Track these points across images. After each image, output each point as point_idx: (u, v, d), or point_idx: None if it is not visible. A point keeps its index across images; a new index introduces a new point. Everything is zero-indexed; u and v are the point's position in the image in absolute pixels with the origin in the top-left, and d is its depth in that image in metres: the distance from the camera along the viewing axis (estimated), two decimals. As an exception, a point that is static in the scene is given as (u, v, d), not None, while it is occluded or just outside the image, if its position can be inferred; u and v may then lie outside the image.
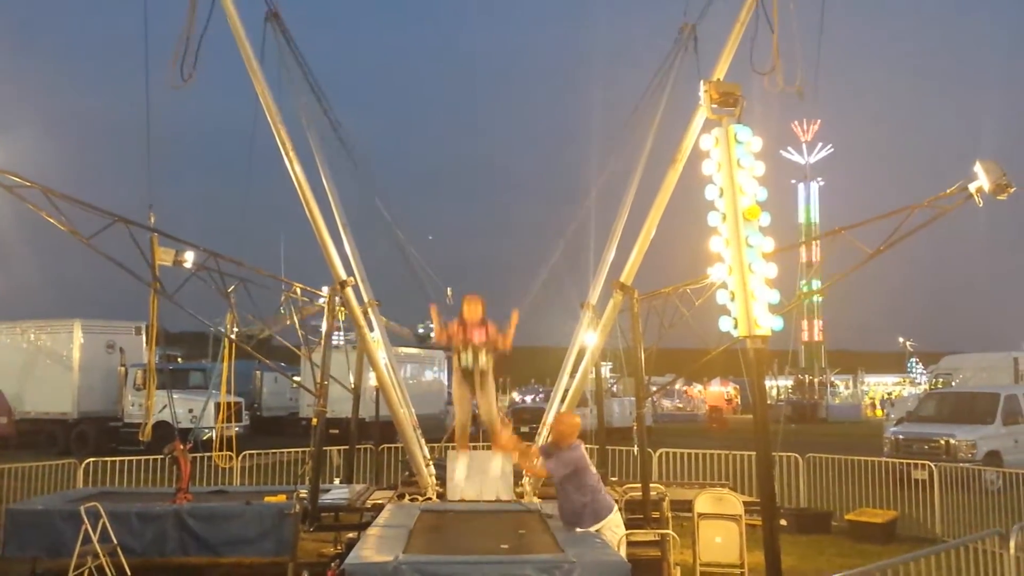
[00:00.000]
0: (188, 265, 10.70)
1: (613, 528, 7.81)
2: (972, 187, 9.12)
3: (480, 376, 8.34)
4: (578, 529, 7.67)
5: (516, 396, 52.48)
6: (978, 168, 9.06)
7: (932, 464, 13.90)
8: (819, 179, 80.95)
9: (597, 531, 7.68)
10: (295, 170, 9.73)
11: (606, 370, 18.57)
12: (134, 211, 10.35)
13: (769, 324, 6.87)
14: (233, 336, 12.50)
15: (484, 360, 8.31)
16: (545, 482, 10.80)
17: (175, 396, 22.14)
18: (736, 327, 6.93)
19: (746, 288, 6.81)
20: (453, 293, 12.84)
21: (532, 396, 49.56)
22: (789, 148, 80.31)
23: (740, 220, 6.94)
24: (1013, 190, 9.08)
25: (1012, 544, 6.93)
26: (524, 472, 8.13)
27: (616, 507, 8.05)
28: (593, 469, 7.96)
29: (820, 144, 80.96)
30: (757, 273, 6.85)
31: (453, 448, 10.87)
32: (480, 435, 17.86)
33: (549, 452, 7.94)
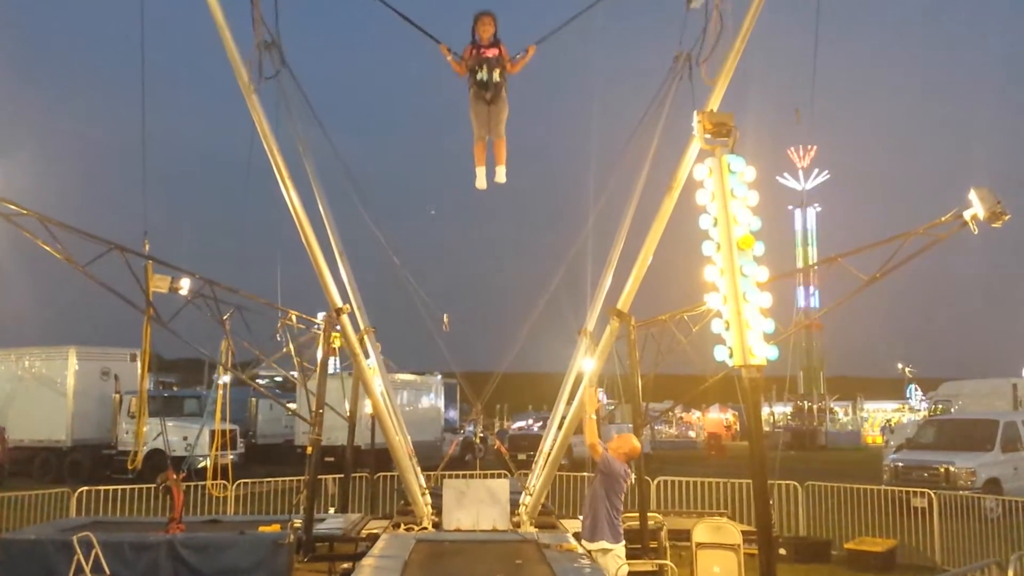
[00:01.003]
0: (184, 292, 10.69)
1: (616, 558, 7.97)
2: (967, 214, 9.13)
3: (494, 90, 8.58)
4: (603, 543, 8.00)
5: (514, 424, 52.30)
6: (972, 196, 9.08)
7: (932, 492, 13.84)
8: (816, 205, 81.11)
9: (606, 552, 7.98)
10: (291, 198, 9.74)
11: (601, 397, 18.50)
12: (130, 239, 10.38)
13: (764, 353, 6.85)
14: (230, 374, 12.46)
15: (498, 75, 8.53)
16: (542, 511, 10.77)
17: (170, 424, 22.08)
18: (731, 356, 6.91)
19: (741, 317, 6.79)
20: (450, 320, 12.86)
21: (528, 422, 49.38)
22: (785, 174, 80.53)
23: (734, 250, 6.94)
24: (1008, 217, 9.09)
25: (1011, 573, 6.90)
26: (585, 433, 8.64)
27: (624, 542, 8.34)
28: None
29: (817, 170, 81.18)
30: (752, 302, 6.84)
31: (449, 477, 10.81)
32: (477, 464, 17.77)
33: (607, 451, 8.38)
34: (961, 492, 14.87)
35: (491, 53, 8.49)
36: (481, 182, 9.13)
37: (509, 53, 8.69)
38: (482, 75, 8.49)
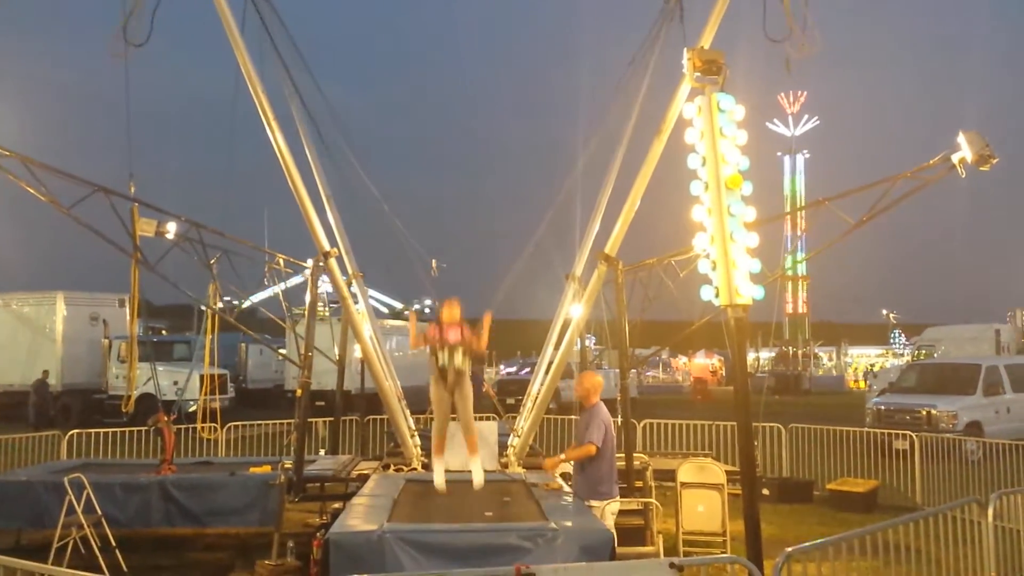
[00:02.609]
0: (170, 236, 10.63)
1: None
2: (955, 158, 9.12)
3: (456, 375, 8.30)
4: (594, 502, 7.77)
5: (503, 368, 52.67)
6: (961, 139, 9.07)
7: (913, 434, 14.05)
8: (805, 151, 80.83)
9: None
10: (277, 140, 9.63)
11: (590, 342, 18.62)
12: (116, 182, 10.26)
13: (750, 293, 6.87)
14: (216, 308, 12.47)
15: (460, 360, 8.26)
16: (529, 452, 10.90)
17: (160, 368, 22.12)
18: (717, 296, 6.93)
19: (727, 257, 6.79)
20: (438, 265, 12.88)
21: (517, 368, 49.71)
22: (775, 120, 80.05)
23: (722, 189, 6.91)
24: (996, 161, 9.08)
25: (990, 512, 7.02)
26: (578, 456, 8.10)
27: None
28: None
29: (806, 116, 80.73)
30: (738, 242, 6.83)
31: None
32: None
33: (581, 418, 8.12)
34: (942, 434, 15.08)
35: (453, 337, 8.22)
36: (439, 479, 8.32)
37: (472, 328, 8.41)
38: (442, 360, 8.26)
